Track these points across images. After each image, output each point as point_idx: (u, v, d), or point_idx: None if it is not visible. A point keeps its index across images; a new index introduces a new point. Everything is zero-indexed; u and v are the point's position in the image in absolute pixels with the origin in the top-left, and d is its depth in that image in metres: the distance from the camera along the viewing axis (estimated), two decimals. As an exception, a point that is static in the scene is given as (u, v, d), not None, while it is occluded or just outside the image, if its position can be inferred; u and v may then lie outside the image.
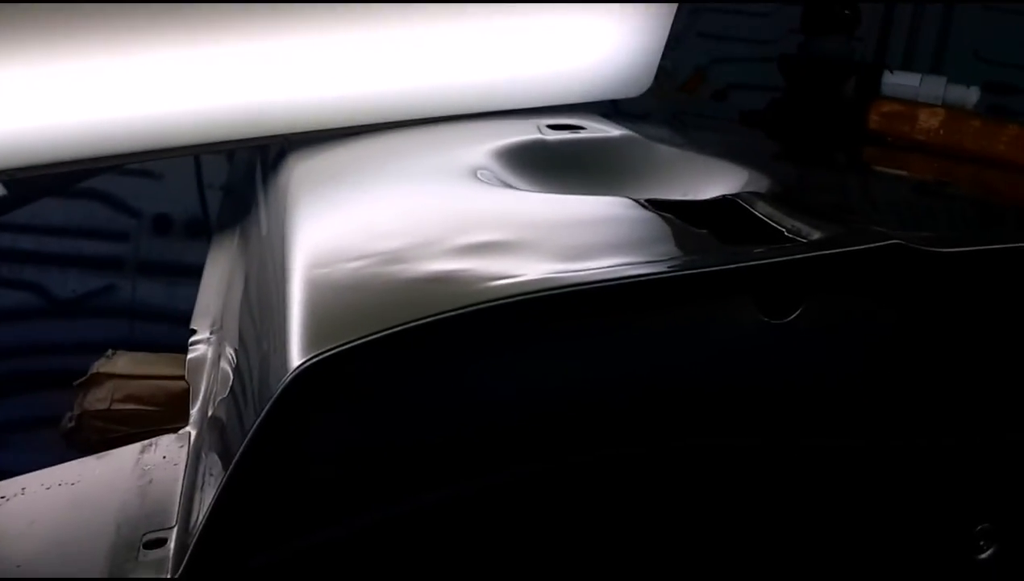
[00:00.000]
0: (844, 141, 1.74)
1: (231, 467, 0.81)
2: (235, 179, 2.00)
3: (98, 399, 1.50)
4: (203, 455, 0.98)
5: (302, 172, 1.43)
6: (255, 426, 0.80)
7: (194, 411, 1.09)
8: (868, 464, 1.09)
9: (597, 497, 0.97)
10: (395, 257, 0.99)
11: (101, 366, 1.57)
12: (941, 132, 1.64)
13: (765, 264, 0.95)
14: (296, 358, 0.82)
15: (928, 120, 1.65)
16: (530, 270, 0.93)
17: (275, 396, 0.80)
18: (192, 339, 1.22)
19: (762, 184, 1.31)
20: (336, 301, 0.94)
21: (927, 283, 1.02)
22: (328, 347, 0.81)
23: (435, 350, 0.85)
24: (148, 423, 1.43)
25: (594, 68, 1.72)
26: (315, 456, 0.84)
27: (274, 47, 1.50)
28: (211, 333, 1.23)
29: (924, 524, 1.16)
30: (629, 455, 0.97)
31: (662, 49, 1.72)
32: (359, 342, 0.81)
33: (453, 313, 0.83)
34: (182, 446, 1.05)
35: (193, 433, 1.06)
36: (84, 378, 1.56)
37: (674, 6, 1.68)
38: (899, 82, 1.79)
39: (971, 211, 1.33)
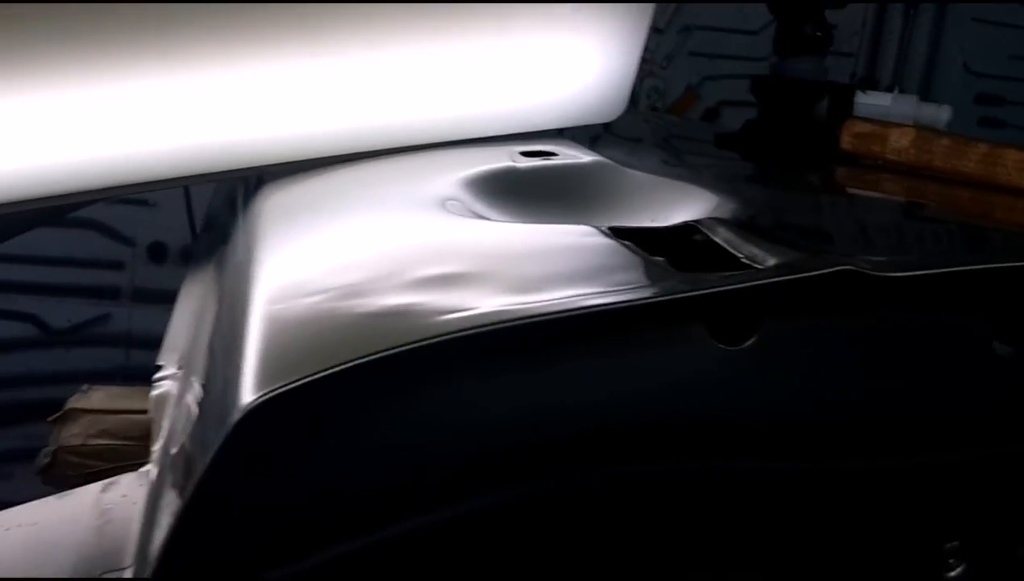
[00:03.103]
0: (817, 163, 1.74)
1: (182, 506, 0.81)
2: (215, 209, 2.01)
3: (72, 435, 1.51)
4: (162, 493, 0.99)
5: (272, 203, 1.44)
6: (206, 466, 0.81)
7: (156, 448, 1.10)
8: (832, 487, 1.09)
9: (559, 528, 0.97)
10: (353, 291, 1.00)
11: (76, 401, 1.58)
12: (911, 151, 1.64)
13: (715, 292, 0.96)
14: (246, 396, 0.83)
15: (898, 140, 1.65)
16: (485, 303, 0.93)
17: (224, 436, 0.81)
18: (157, 375, 1.23)
19: (727, 209, 1.32)
20: (291, 337, 0.94)
21: (881, 307, 1.03)
22: (277, 384, 0.82)
23: (385, 385, 0.85)
24: (123, 458, 1.44)
25: (568, 94, 1.73)
26: (269, 494, 0.84)
27: (251, 77, 1.51)
28: (178, 368, 1.24)
29: (891, 544, 1.16)
30: (588, 486, 0.97)
31: (635, 73, 1.73)
32: (308, 379, 0.82)
33: (401, 349, 0.84)
34: (142, 484, 1.06)
35: (154, 471, 1.07)
36: (59, 414, 1.57)
37: (646, 26, 1.69)
38: (871, 102, 1.80)
39: (935, 232, 1.34)
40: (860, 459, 1.08)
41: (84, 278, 4.02)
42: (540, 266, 1.07)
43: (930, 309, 1.05)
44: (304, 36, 1.53)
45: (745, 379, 1.02)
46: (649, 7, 1.67)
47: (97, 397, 1.57)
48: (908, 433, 1.09)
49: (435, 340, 0.85)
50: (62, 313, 4.02)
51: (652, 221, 1.35)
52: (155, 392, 1.18)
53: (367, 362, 0.82)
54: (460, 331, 0.86)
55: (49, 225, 3.24)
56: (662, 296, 0.94)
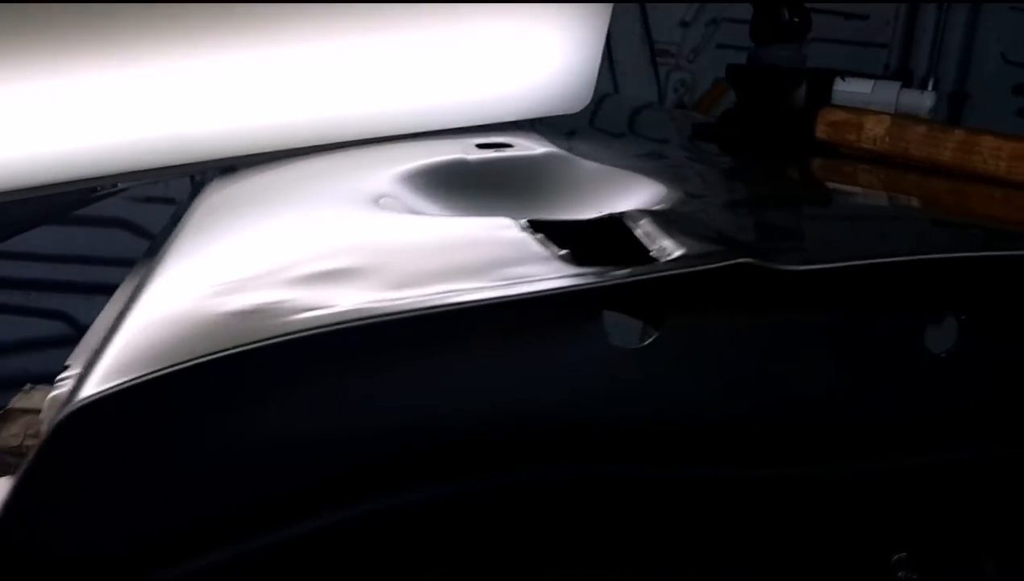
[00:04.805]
0: (790, 153, 1.67)
1: None
2: (182, 207, 1.99)
3: (12, 435, 1.48)
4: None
5: (208, 200, 1.41)
6: (23, 470, 0.77)
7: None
8: (748, 494, 1.03)
9: (427, 539, 0.92)
10: (231, 287, 0.96)
11: (17, 401, 1.55)
12: (886, 140, 1.56)
13: (596, 287, 0.90)
14: (80, 398, 0.79)
15: (873, 128, 1.58)
16: (352, 299, 0.88)
17: (44, 440, 0.77)
18: (60, 375, 1.19)
19: (669, 199, 1.26)
20: (150, 335, 0.90)
21: (789, 303, 0.96)
22: (100, 390, 0.78)
23: (215, 389, 0.81)
24: (61, 458, 1.40)
25: (529, 85, 1.68)
26: (86, 499, 0.80)
27: (213, 68, 1.49)
28: (83, 368, 1.20)
29: (832, 558, 1.10)
30: (461, 492, 0.92)
31: (598, 64, 1.68)
32: (130, 384, 0.78)
33: (220, 355, 0.79)
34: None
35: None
36: (-1, 413, 1.54)
37: (607, 18, 1.64)
38: (851, 89, 1.72)
39: (878, 225, 1.26)
40: (774, 466, 1.02)
41: (113, 276, 4.03)
42: (433, 261, 1.01)
43: (845, 304, 0.99)
44: (262, 28, 1.50)
45: (646, 379, 0.96)
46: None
47: (38, 397, 1.53)
48: (826, 438, 1.02)
49: (250, 347, 0.79)
50: (92, 311, 4.04)
51: (599, 211, 1.29)
52: (52, 393, 1.14)
53: (183, 369, 0.77)
54: (287, 335, 0.81)
55: (51, 223, 3.25)
56: (530, 293, 0.88)
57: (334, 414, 0.85)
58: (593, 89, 1.69)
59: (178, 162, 1.57)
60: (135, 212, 3.98)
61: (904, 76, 4.44)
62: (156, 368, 0.78)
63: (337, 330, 0.80)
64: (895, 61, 4.48)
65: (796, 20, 1.72)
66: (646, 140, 2.07)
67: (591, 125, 2.12)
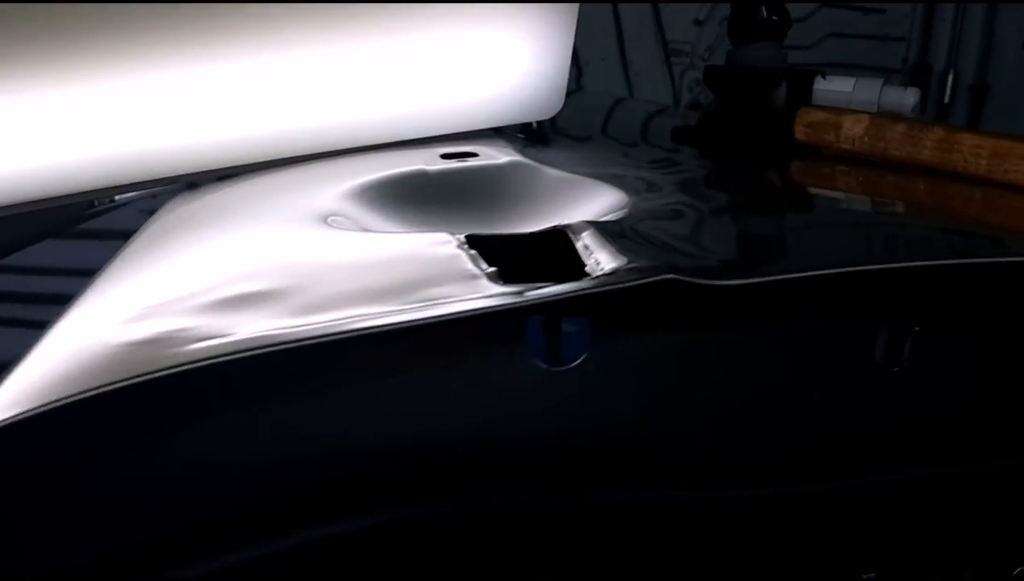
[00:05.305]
0: (768, 156, 1.61)
1: None
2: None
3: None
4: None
5: (157, 221, 1.37)
6: None
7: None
8: (717, 518, 0.99)
9: (347, 573, 0.88)
10: (142, 314, 0.93)
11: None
12: (865, 140, 1.50)
13: (512, 307, 0.85)
14: None
15: (852, 128, 1.51)
16: (256, 326, 0.84)
17: None
18: None
19: (625, 209, 1.21)
20: (50, 365, 0.87)
21: (723, 317, 0.91)
22: None
23: (92, 427, 0.77)
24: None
25: (497, 92, 1.64)
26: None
27: (194, 78, 1.45)
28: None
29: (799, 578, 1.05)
30: (382, 523, 0.88)
31: (568, 67, 1.63)
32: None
33: (98, 391, 0.75)
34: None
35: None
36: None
37: (574, 21, 1.59)
38: (832, 88, 1.66)
39: (838, 232, 1.20)
40: (726, 488, 0.97)
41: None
42: (353, 282, 0.97)
43: (785, 318, 0.93)
44: (249, 35, 1.47)
45: (574, 400, 0.92)
46: (575, 4, 1.57)
47: None
48: (776, 457, 0.97)
49: (121, 385, 0.75)
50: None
51: (554, 222, 1.25)
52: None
53: (53, 410, 0.74)
54: (151, 374, 0.77)
55: (56, 237, 3.24)
56: (427, 316, 0.84)
57: (229, 446, 0.81)
58: (564, 94, 1.64)
59: (174, 173, 1.53)
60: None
61: (923, 70, 4.36)
62: (32, 407, 0.74)
63: (222, 362, 0.76)
64: (913, 55, 4.40)
65: (774, 18, 1.66)
66: (629, 146, 2.02)
67: (603, 133, 2.08)
